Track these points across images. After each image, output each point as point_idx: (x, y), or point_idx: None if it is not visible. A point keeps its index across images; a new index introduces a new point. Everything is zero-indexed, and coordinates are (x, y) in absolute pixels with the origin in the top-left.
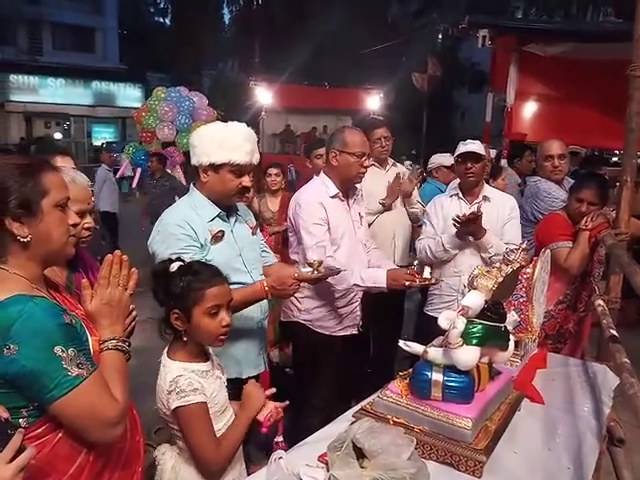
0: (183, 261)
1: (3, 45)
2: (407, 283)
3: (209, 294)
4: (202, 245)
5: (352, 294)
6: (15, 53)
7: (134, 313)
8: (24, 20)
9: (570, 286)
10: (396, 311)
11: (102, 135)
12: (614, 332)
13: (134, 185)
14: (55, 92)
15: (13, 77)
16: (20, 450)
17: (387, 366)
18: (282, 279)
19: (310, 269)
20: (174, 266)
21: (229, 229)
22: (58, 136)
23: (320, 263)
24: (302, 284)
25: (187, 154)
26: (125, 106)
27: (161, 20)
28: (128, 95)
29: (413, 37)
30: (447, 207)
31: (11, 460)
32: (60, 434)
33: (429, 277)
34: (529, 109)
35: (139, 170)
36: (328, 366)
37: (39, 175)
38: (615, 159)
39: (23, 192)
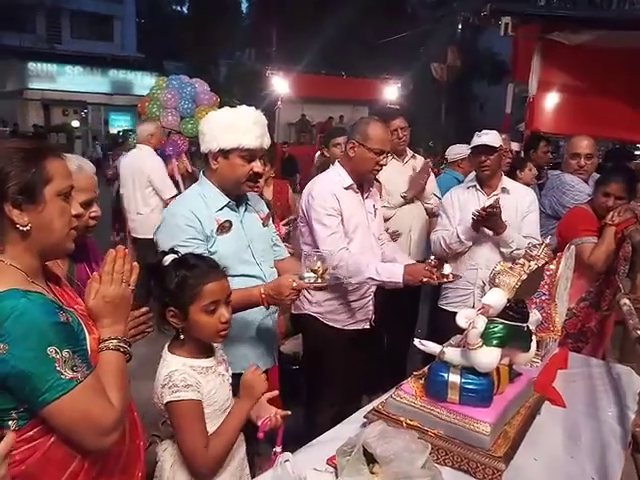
0: (177, 253)
1: (22, 33)
2: (425, 279)
3: (206, 290)
4: (208, 237)
5: (365, 288)
6: (34, 41)
7: (149, 319)
8: (43, 8)
9: (593, 283)
10: (410, 305)
11: (119, 123)
12: None
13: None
14: (73, 80)
15: (32, 65)
16: None
17: (399, 362)
18: (279, 288)
19: (313, 275)
20: (167, 259)
21: (238, 219)
22: (75, 124)
23: (325, 270)
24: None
25: (192, 141)
26: (142, 94)
27: (179, 9)
28: (145, 83)
29: (432, 27)
30: (464, 199)
31: None
32: (53, 438)
33: (447, 273)
34: (552, 100)
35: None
36: (338, 360)
37: (42, 161)
38: (638, 152)
39: (24, 178)
